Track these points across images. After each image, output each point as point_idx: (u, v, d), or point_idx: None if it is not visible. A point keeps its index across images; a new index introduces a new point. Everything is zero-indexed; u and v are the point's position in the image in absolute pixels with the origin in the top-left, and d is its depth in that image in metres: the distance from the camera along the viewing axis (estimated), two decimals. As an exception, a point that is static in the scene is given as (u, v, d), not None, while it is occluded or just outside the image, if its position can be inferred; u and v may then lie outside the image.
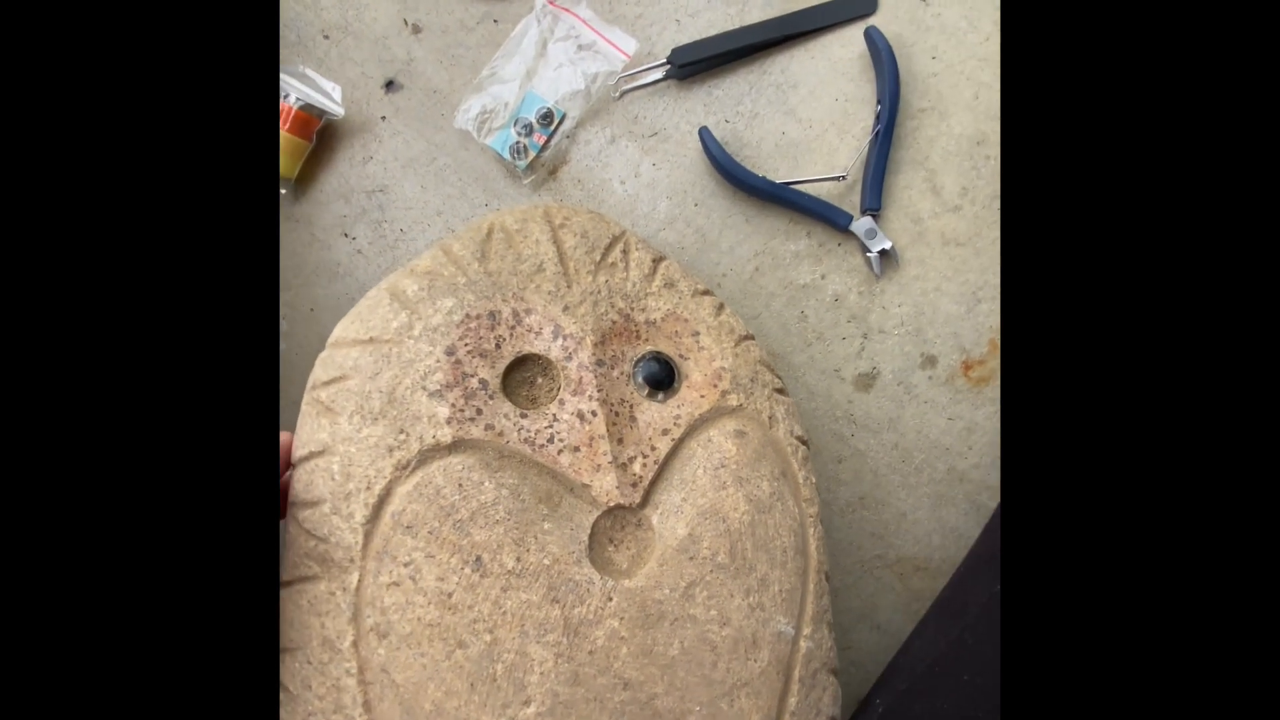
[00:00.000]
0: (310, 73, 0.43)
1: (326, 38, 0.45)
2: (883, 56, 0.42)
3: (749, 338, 0.35)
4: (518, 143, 0.43)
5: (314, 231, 0.44)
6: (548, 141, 0.43)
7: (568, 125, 0.44)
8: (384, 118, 0.44)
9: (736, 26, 0.44)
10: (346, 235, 0.44)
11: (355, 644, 0.28)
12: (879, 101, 0.43)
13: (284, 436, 0.30)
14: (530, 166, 0.43)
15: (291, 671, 0.28)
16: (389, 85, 0.45)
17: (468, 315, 0.31)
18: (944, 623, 0.36)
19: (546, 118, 0.43)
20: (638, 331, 0.33)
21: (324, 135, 0.44)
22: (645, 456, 0.31)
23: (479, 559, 0.28)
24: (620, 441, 0.31)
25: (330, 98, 0.43)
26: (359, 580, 0.28)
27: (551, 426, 0.30)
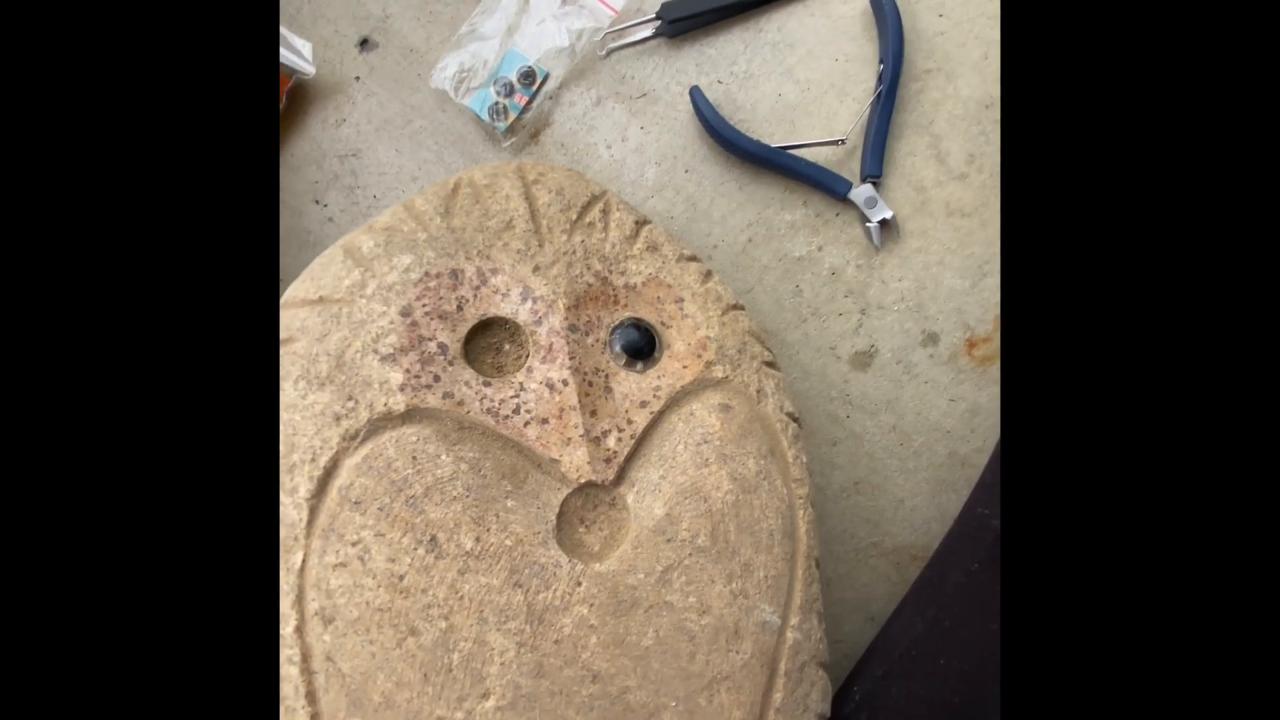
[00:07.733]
0: (281, 29, 0.41)
1: (297, -8, 0.42)
2: (886, 14, 0.40)
3: (738, 306, 0.33)
4: (497, 103, 0.40)
5: (284, 198, 0.42)
6: (529, 102, 0.41)
7: (551, 85, 0.41)
8: (358, 78, 0.42)
9: (731, -18, 0.41)
10: (318, 202, 0.42)
11: (298, 629, 0.25)
12: (881, 62, 0.41)
13: None
14: (510, 129, 0.41)
15: None
16: (363, 43, 0.42)
17: (427, 274, 0.28)
18: (921, 604, 0.34)
19: (528, 77, 0.41)
20: (616, 296, 0.30)
21: (295, 96, 0.42)
22: (621, 430, 0.29)
23: (434, 538, 0.26)
24: (593, 414, 0.28)
25: (301, 55, 0.40)
26: (303, 560, 0.25)
27: (518, 396, 0.28)
